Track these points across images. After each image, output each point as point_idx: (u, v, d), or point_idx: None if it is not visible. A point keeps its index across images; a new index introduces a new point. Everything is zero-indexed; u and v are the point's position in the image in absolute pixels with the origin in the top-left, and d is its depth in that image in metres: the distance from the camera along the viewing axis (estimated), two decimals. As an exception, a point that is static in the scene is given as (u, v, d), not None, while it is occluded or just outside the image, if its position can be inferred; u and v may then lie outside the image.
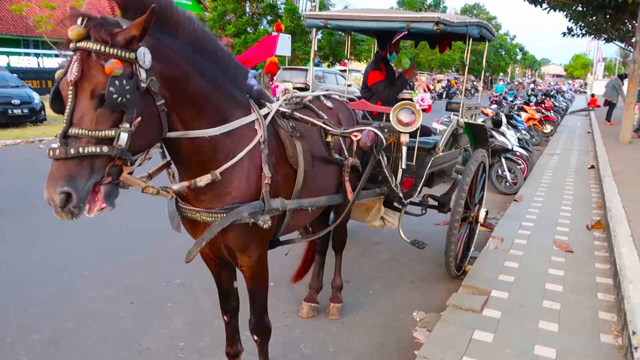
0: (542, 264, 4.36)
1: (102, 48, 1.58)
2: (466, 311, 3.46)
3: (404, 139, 3.45)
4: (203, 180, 2.07)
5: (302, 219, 2.73)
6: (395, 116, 3.42)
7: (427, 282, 4.31)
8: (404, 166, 3.53)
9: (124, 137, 1.63)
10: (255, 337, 2.57)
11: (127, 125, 1.64)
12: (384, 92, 4.37)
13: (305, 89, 3.76)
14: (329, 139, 2.56)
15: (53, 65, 18.80)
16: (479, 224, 4.59)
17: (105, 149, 1.61)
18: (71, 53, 1.63)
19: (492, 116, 8.16)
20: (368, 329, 3.49)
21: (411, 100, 3.37)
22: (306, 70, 18.79)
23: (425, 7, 37.50)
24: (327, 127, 2.56)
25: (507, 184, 7.70)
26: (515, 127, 9.43)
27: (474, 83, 40.88)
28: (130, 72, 1.64)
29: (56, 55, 21.54)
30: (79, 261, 4.33)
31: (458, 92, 39.91)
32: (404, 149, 3.49)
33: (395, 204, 3.93)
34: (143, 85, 1.68)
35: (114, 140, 1.62)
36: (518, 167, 7.78)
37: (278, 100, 2.63)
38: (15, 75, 15.11)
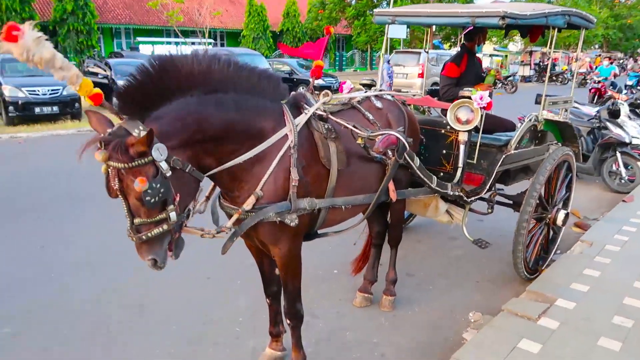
0: (629, 275, 3.98)
1: (125, 166, 1.88)
2: (521, 318, 3.35)
3: (462, 137, 3.41)
4: (249, 205, 2.33)
5: (342, 214, 2.86)
6: (453, 114, 3.39)
7: (494, 284, 4.19)
8: (460, 164, 3.48)
9: (173, 215, 2.04)
10: (288, 322, 2.80)
11: (172, 206, 2.02)
12: (444, 89, 4.26)
13: (371, 85, 3.85)
14: (359, 141, 2.65)
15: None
16: (562, 226, 4.30)
17: (164, 226, 2.04)
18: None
19: (607, 105, 7.37)
20: (417, 325, 3.54)
21: (470, 98, 3.30)
22: (419, 53, 18.35)
23: None
24: (356, 130, 2.66)
25: (622, 181, 6.96)
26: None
27: (622, 61, 36.41)
28: (154, 171, 1.94)
29: (192, 43, 23.74)
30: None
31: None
32: (462, 147, 3.44)
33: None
34: (168, 173, 1.97)
35: (167, 220, 2.01)
36: (637, 162, 6.97)
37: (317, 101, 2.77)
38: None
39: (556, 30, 4.04)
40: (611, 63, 20.89)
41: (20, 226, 5.17)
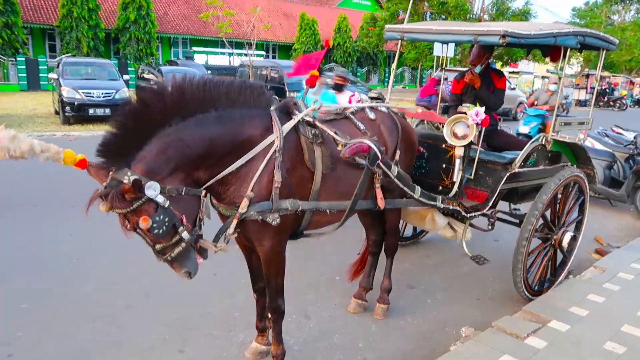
0: (635, 303, 3.86)
1: (126, 211, 2.14)
2: (509, 335, 3.34)
3: (458, 151, 3.47)
4: (244, 208, 2.51)
5: (328, 216, 2.99)
6: (450, 129, 3.46)
7: (495, 301, 4.17)
8: (455, 179, 3.53)
9: (186, 235, 2.29)
10: (269, 315, 2.94)
11: (182, 227, 2.26)
12: (450, 105, 4.32)
13: (379, 99, 3.97)
14: (339, 147, 2.77)
15: (238, 63, 21.36)
16: (568, 248, 4.23)
17: (183, 244, 2.30)
18: None
19: (644, 131, 7.11)
20: (406, 334, 3.59)
21: (465, 114, 3.36)
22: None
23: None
24: (336, 137, 2.78)
25: (656, 210, 6.68)
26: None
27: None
28: (154, 207, 2.16)
29: (245, 55, 24.52)
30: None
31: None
32: (457, 161, 3.50)
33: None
34: (167, 203, 2.19)
35: (182, 240, 2.28)
36: (673, 192, 6.67)
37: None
38: (209, 71, 17.69)
39: (567, 55, 4.00)
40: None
41: (55, 215, 5.60)
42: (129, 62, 22.99)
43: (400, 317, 3.82)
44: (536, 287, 4.11)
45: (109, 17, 24.22)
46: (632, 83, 33.79)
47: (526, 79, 23.66)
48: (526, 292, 3.96)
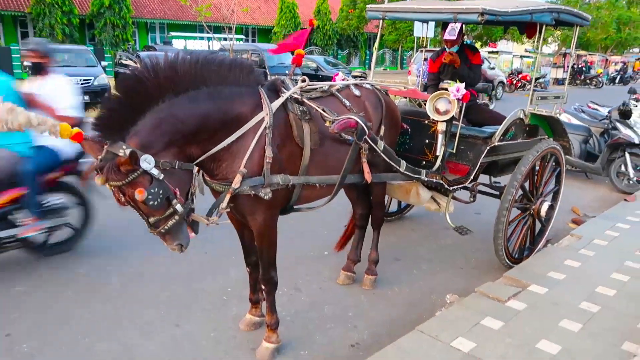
0: (608, 267, 4.07)
1: (121, 184, 2.20)
2: (491, 299, 3.51)
3: (441, 127, 3.59)
4: (237, 183, 2.58)
5: (317, 191, 3.09)
6: (432, 105, 3.58)
7: (478, 271, 4.35)
8: (438, 153, 3.67)
9: (179, 207, 2.37)
10: (263, 287, 3.05)
11: (175, 200, 2.33)
12: (429, 84, 4.44)
13: (363, 77, 4.06)
14: (327, 123, 2.87)
15: (218, 47, 21.14)
16: (545, 217, 4.41)
17: (176, 217, 2.37)
18: None
19: (619, 105, 7.33)
20: (393, 303, 3.75)
21: (447, 90, 3.48)
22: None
23: None
24: (324, 114, 2.88)
25: (630, 182, 6.93)
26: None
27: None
28: (148, 179, 2.23)
29: (224, 39, 24.29)
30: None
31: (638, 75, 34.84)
32: (440, 136, 3.63)
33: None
34: (161, 176, 2.26)
35: (175, 212, 2.35)
36: (647, 164, 6.94)
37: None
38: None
39: (542, 31, 4.13)
40: None
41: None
42: (105, 48, 22.56)
43: (388, 287, 3.97)
44: (516, 255, 4.29)
45: (83, 3, 23.68)
46: (607, 61, 34.40)
47: (505, 58, 23.91)
48: (507, 260, 4.14)
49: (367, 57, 36.30)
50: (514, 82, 21.94)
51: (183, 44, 26.03)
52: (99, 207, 5.31)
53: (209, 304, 3.62)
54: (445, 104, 3.52)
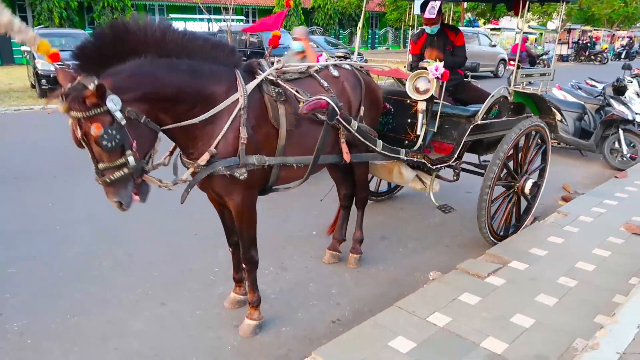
0: (591, 243, 4.12)
1: (83, 115, 2.18)
2: (471, 276, 3.57)
3: (421, 106, 3.61)
4: (203, 160, 2.63)
5: (295, 171, 3.14)
6: (412, 84, 3.59)
7: (464, 249, 4.40)
8: (418, 132, 3.70)
9: (131, 159, 2.33)
10: (244, 266, 3.13)
11: (129, 151, 2.31)
12: (412, 65, 4.44)
13: (346, 57, 4.08)
14: (300, 104, 2.90)
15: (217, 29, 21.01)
16: (530, 195, 4.44)
17: (125, 170, 2.32)
18: None
19: (613, 81, 7.29)
20: (377, 280, 3.82)
21: (426, 69, 3.49)
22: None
23: None
24: (297, 95, 2.91)
25: (624, 158, 6.93)
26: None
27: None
28: (110, 119, 2.22)
29: (224, 20, 24.16)
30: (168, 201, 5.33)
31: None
32: (420, 115, 3.65)
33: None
34: (123, 121, 2.26)
35: (127, 163, 2.31)
36: (640, 140, 6.92)
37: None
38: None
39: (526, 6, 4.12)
40: None
41: (37, 186, 5.70)
42: (105, 32, 22.42)
43: (373, 266, 4.04)
44: (501, 233, 4.34)
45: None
46: (613, 37, 33.89)
47: (507, 35, 23.59)
48: (491, 237, 4.19)
49: (370, 36, 35.95)
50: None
51: (183, 25, 25.92)
52: (88, 192, 5.42)
53: (196, 283, 3.71)
54: (425, 83, 3.53)
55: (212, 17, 19.95)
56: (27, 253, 4.11)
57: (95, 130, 2.16)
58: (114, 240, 4.36)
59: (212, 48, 2.67)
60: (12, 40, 20.07)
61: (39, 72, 11.64)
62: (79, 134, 2.24)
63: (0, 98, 11.99)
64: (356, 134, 3.26)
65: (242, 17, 28.77)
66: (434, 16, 3.79)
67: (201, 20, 27.00)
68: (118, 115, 2.24)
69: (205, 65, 2.64)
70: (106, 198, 2.41)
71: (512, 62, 21.57)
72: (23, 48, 13.58)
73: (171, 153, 2.91)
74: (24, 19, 22.97)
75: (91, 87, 2.16)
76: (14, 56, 20.56)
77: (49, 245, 4.25)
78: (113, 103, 2.21)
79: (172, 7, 26.94)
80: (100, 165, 2.31)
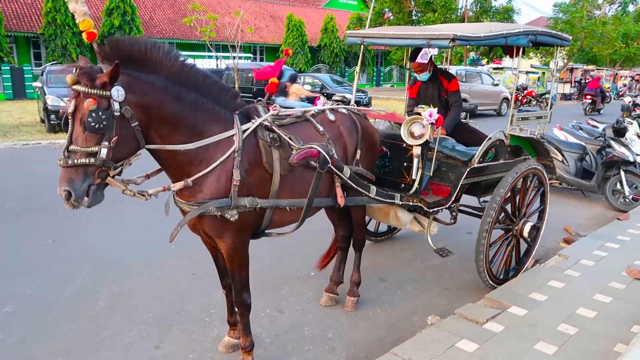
0: (592, 288, 4.07)
1: (86, 90, 2.26)
2: (470, 321, 3.52)
3: (416, 150, 3.65)
4: (177, 186, 2.68)
5: (288, 215, 3.16)
6: (407, 129, 3.64)
7: (463, 292, 4.35)
8: (414, 176, 3.72)
9: (104, 152, 2.33)
10: (236, 309, 3.10)
11: (106, 143, 2.33)
12: (409, 108, 4.53)
13: (344, 102, 4.15)
14: (294, 151, 2.95)
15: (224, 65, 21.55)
16: (529, 238, 4.42)
17: (91, 160, 2.30)
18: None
19: (613, 123, 7.34)
20: (374, 324, 3.77)
21: (420, 115, 3.55)
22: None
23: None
24: (291, 142, 2.96)
25: (626, 200, 6.90)
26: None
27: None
28: (106, 105, 2.30)
29: (233, 58, 24.79)
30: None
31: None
32: (415, 160, 3.69)
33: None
34: (117, 113, 2.33)
35: (98, 154, 2.32)
36: (643, 182, 6.90)
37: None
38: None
39: (520, 52, 4.19)
40: None
41: (38, 222, 5.74)
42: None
43: (370, 308, 4.00)
44: (501, 276, 4.30)
45: (94, 24, 24.19)
46: (616, 76, 34.24)
47: (510, 75, 23.92)
48: (490, 281, 4.15)
49: (375, 74, 36.56)
50: (520, 98, 21.96)
51: (192, 62, 26.52)
52: (89, 229, 5.44)
53: (191, 324, 3.68)
54: (420, 128, 3.58)
55: (220, 54, 20.40)
56: (24, 291, 4.10)
57: (89, 103, 2.20)
58: (112, 279, 4.36)
59: (219, 90, 2.79)
60: (25, 76, 20.66)
61: (49, 107, 11.87)
62: (71, 107, 2.28)
63: (9, 132, 12.21)
64: (349, 181, 3.29)
65: (250, 55, 29.44)
66: (426, 61, 3.88)
67: (209, 57, 27.70)
68: (115, 105, 2.31)
69: (209, 103, 2.73)
70: (58, 186, 2.32)
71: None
72: (34, 84, 13.88)
73: (148, 176, 2.84)
74: (38, 56, 23.71)
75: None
76: (26, 91, 21.01)
77: (46, 284, 4.25)
78: (117, 93, 2.30)
79: (181, 44, 27.59)
80: (72, 147, 2.29)
